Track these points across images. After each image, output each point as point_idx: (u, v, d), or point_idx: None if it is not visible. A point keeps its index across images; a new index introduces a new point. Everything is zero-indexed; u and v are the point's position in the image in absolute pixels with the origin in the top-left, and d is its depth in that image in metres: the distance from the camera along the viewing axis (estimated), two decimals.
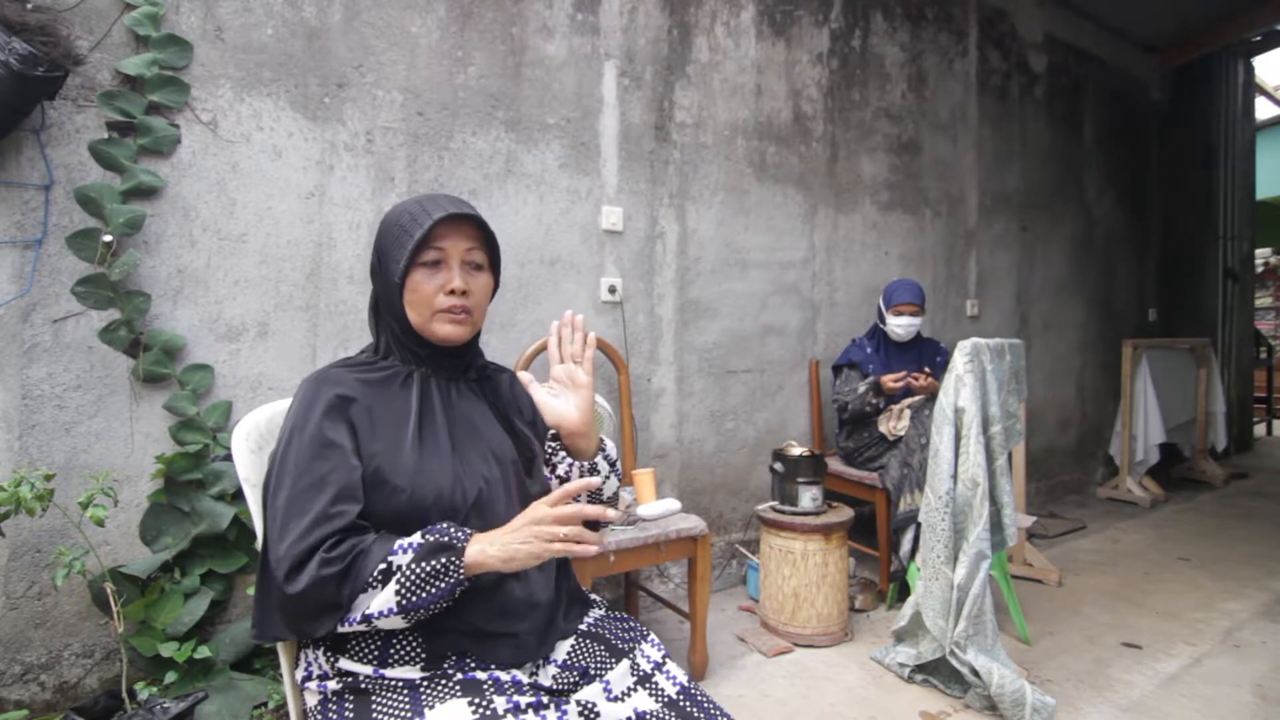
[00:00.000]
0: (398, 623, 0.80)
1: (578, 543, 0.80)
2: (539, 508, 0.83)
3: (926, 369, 2.57)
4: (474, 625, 0.86)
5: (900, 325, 2.64)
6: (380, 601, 0.78)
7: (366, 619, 0.79)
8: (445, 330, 0.95)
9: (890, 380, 2.50)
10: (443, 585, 0.79)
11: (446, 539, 0.81)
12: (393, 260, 0.95)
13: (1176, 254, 5.08)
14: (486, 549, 0.81)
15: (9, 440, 1.52)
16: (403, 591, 0.78)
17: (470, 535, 0.83)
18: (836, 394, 2.70)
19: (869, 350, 2.70)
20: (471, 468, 0.93)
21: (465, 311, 0.96)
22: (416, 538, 0.81)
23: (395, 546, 0.80)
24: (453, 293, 0.94)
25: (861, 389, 2.56)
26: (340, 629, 0.80)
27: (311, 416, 0.87)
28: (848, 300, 3.06)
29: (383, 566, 0.79)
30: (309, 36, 1.85)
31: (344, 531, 0.81)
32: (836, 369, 2.76)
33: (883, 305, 2.71)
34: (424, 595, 0.78)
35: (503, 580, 0.89)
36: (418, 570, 0.79)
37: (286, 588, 0.78)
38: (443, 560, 0.80)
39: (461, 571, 0.80)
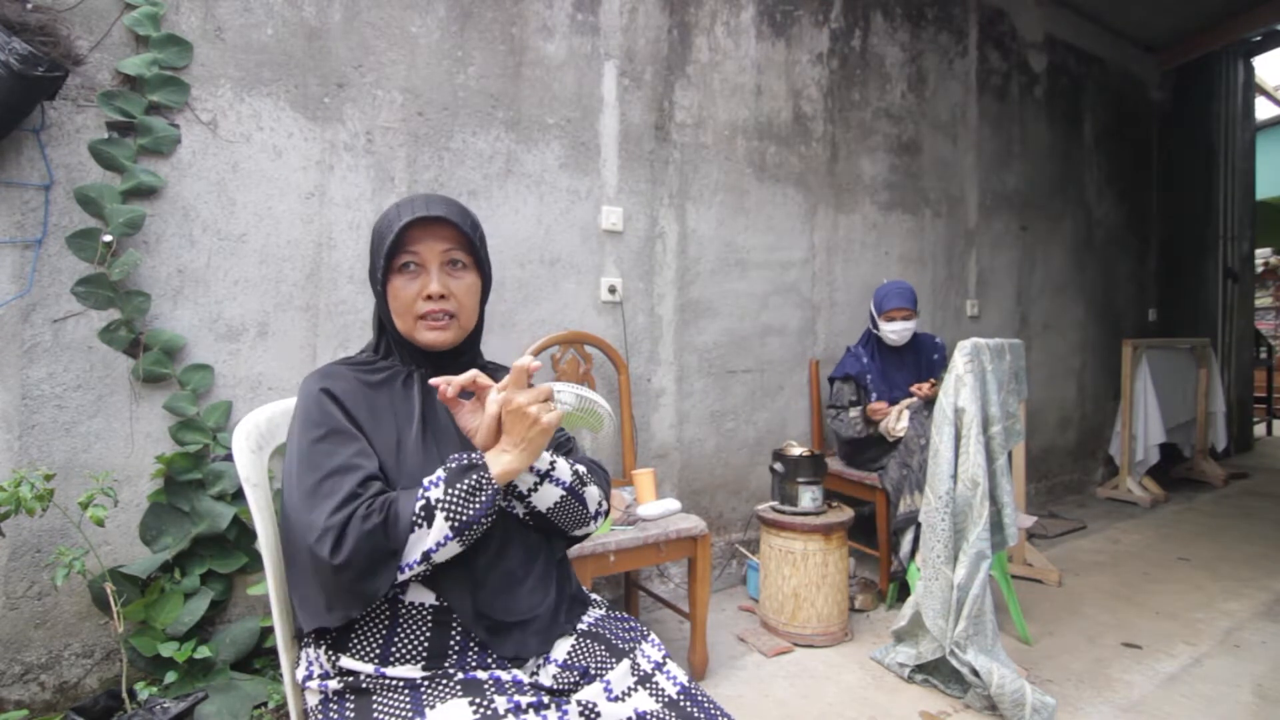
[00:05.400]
0: (454, 549, 0.83)
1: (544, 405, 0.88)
2: (511, 402, 0.86)
3: (932, 380, 2.57)
4: (488, 615, 0.87)
5: (894, 331, 2.62)
6: (435, 534, 0.81)
7: (426, 556, 0.81)
8: (427, 337, 0.95)
9: (875, 409, 2.52)
10: (484, 499, 0.83)
11: (466, 461, 0.85)
12: (374, 267, 0.95)
13: (1176, 254, 5.08)
14: (503, 459, 0.86)
15: (9, 440, 1.52)
16: (451, 516, 0.81)
17: (483, 455, 0.87)
18: (831, 406, 2.68)
19: (865, 360, 2.66)
20: None
21: (448, 315, 0.95)
22: (439, 472, 0.85)
23: (425, 483, 0.84)
24: (430, 297, 0.93)
25: (853, 415, 2.58)
26: (400, 576, 0.81)
27: (326, 408, 0.88)
28: (848, 300, 3.06)
29: (421, 503, 0.81)
30: (309, 36, 1.85)
31: (373, 498, 0.82)
32: (831, 381, 2.73)
33: (874, 312, 2.68)
34: (471, 512, 0.82)
35: (509, 574, 0.90)
36: (455, 493, 0.82)
37: (334, 559, 0.77)
38: (474, 478, 0.84)
39: (494, 484, 0.84)
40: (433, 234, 0.94)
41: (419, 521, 0.80)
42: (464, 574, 0.87)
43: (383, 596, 0.81)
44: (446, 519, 0.81)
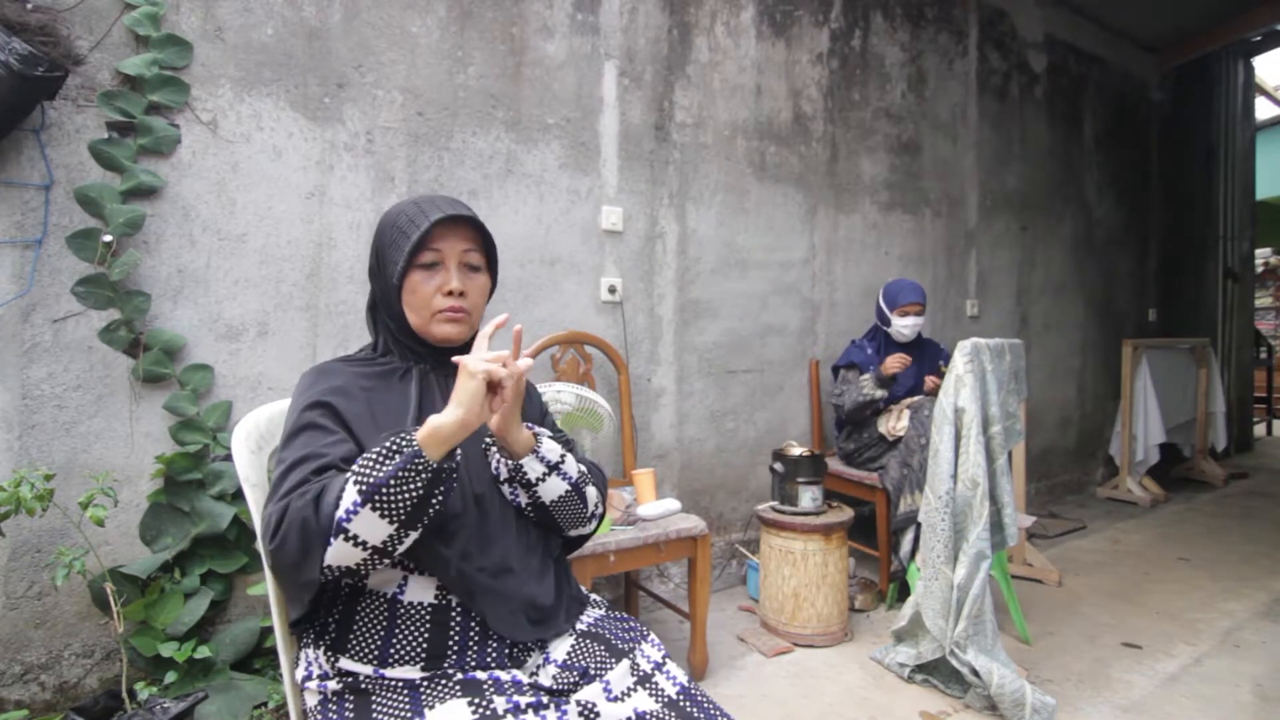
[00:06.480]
0: (372, 520, 0.75)
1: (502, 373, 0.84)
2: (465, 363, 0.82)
3: (941, 363, 2.63)
4: (477, 577, 0.87)
5: (906, 326, 2.63)
6: (345, 501, 0.76)
7: (340, 528, 0.75)
8: (444, 330, 0.96)
9: (892, 361, 2.50)
10: (398, 460, 0.76)
11: (396, 432, 0.80)
12: (390, 262, 0.96)
13: (1176, 254, 5.08)
14: (435, 419, 0.79)
15: (9, 440, 1.52)
16: (360, 479, 0.76)
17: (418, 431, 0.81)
18: (834, 395, 2.70)
19: (870, 352, 2.69)
20: (472, 462, 0.94)
21: (463, 312, 0.97)
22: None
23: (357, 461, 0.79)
24: (450, 294, 0.95)
25: (864, 379, 2.57)
26: (327, 558, 0.76)
27: (310, 403, 0.89)
28: (848, 300, 3.06)
29: (346, 478, 0.78)
30: (309, 36, 1.85)
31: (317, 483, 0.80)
32: (835, 370, 2.75)
33: (885, 306, 2.69)
34: (380, 474, 0.75)
35: (505, 567, 0.91)
36: (369, 457, 0.77)
37: (270, 544, 0.77)
38: (391, 441, 0.78)
39: (413, 445, 0.77)
40: (455, 233, 0.96)
41: (341, 495, 0.77)
42: (459, 566, 0.87)
43: (318, 578, 0.77)
44: (355, 483, 0.76)
